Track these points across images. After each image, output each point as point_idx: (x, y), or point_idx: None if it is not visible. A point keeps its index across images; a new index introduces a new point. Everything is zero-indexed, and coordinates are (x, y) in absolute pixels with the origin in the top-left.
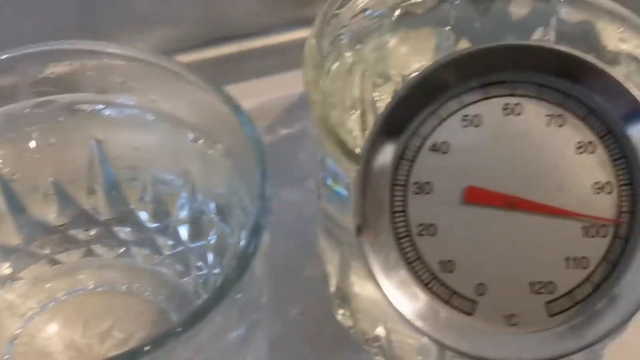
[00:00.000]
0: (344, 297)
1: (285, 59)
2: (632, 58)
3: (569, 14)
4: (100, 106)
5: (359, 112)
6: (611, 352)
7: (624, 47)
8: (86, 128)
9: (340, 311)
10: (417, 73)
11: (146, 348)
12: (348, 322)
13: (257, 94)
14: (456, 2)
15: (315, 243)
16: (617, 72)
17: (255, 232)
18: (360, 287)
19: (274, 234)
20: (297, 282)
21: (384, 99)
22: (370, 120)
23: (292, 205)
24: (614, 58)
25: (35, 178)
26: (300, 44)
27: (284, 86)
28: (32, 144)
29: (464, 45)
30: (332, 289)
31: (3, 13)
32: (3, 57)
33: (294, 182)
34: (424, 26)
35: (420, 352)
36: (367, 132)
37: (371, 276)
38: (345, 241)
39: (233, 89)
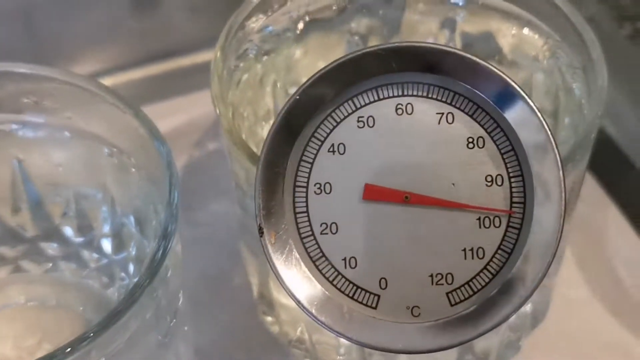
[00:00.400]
0: (268, 304)
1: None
2: (532, 58)
3: (468, 19)
4: (16, 126)
5: (271, 121)
6: (529, 341)
7: (522, 47)
8: (5, 148)
9: (266, 316)
10: (311, 76)
11: (61, 352)
12: (274, 327)
13: (186, 110)
14: (362, 8)
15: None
16: (495, 65)
17: (164, 236)
18: (279, 293)
19: (205, 245)
20: (227, 290)
21: None
22: None
23: (221, 217)
24: (513, 60)
25: None
26: None
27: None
28: None
29: None
30: (255, 294)
31: None
32: None
33: (223, 194)
34: (332, 31)
35: (342, 351)
36: (265, 136)
37: (275, 275)
38: (261, 250)
39: (163, 106)
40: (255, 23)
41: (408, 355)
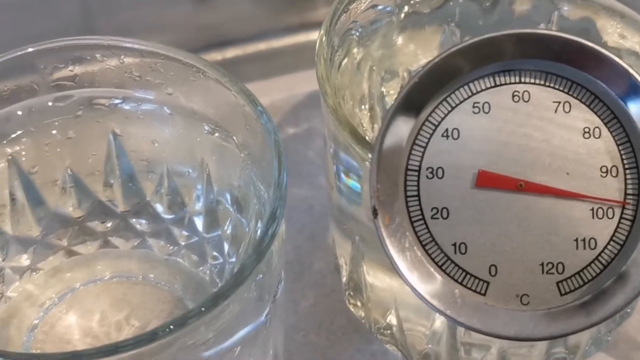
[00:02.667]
0: (356, 288)
1: (291, 61)
2: (632, 53)
3: (569, 11)
4: (118, 100)
5: (367, 106)
6: (616, 337)
7: (624, 43)
8: (104, 122)
9: (352, 301)
10: (430, 60)
11: (169, 328)
12: (360, 312)
13: (264, 95)
14: (460, 1)
15: (324, 237)
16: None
17: (273, 218)
18: (372, 277)
19: (285, 229)
20: (308, 275)
21: (391, 94)
22: (378, 114)
23: (302, 201)
24: (615, 54)
25: (54, 171)
26: (302, 47)
27: (290, 87)
28: (52, 137)
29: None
30: (344, 279)
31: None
32: (24, 52)
33: (304, 179)
34: (430, 24)
35: (431, 339)
36: (382, 118)
37: (387, 257)
38: (357, 232)
39: None
40: (360, 3)
41: (499, 345)
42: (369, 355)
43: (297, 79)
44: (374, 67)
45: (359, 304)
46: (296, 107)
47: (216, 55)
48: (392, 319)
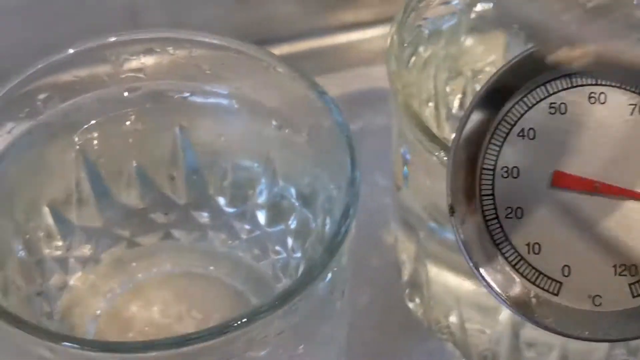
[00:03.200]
0: (417, 286)
1: (344, 59)
2: None
3: None
4: (187, 94)
5: (432, 104)
6: None
7: None
8: (171, 115)
9: (412, 299)
10: (507, 62)
11: (241, 321)
12: (419, 310)
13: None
14: None
15: (380, 235)
16: None
17: (346, 216)
18: (436, 276)
19: None
20: (365, 272)
21: (455, 92)
22: (443, 113)
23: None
24: None
25: (120, 162)
26: (355, 45)
27: (343, 85)
28: (119, 129)
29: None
30: (405, 277)
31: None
32: (95, 44)
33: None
34: (497, 25)
35: (493, 339)
36: (461, 116)
37: (461, 255)
38: (423, 230)
39: None
40: (432, 1)
41: (561, 346)
42: (426, 353)
43: (350, 77)
44: (440, 66)
45: (418, 301)
46: (350, 105)
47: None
48: (453, 318)
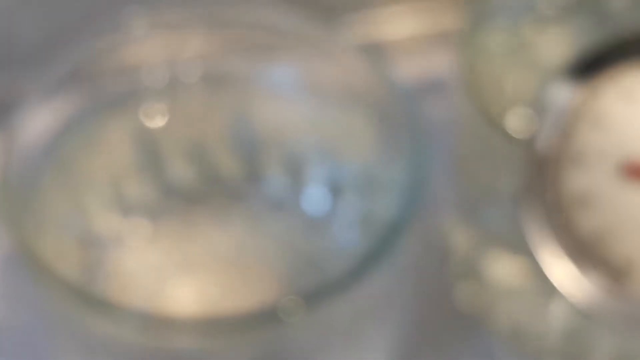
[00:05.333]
0: (469, 275)
1: None
2: None
3: None
4: (249, 72)
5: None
6: None
7: None
8: (235, 93)
9: (463, 289)
10: (580, 51)
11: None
12: (469, 299)
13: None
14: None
15: (431, 220)
16: None
17: (412, 201)
18: (489, 265)
19: None
20: (415, 259)
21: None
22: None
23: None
24: None
25: (180, 140)
26: None
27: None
28: (181, 105)
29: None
30: (456, 266)
31: None
32: (160, 21)
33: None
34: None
35: (546, 333)
36: (536, 102)
37: (526, 242)
38: (482, 217)
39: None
40: None
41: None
42: (475, 345)
43: None
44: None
45: (469, 291)
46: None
47: None
48: (504, 311)
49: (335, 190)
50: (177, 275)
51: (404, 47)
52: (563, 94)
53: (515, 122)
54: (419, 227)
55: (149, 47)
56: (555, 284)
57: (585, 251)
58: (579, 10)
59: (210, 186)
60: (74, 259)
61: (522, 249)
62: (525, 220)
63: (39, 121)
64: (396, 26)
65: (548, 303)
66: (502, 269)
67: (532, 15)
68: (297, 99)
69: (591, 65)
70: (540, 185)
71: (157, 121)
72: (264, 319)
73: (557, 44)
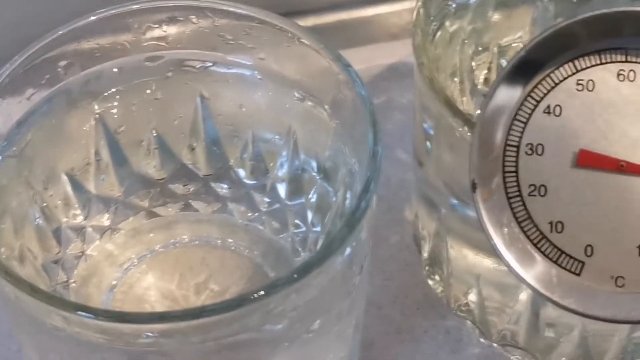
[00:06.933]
0: (437, 263)
1: (370, 32)
2: None
3: None
4: (209, 63)
5: (457, 79)
6: None
7: None
8: (193, 84)
9: (432, 276)
10: (535, 36)
11: (258, 293)
12: (439, 287)
13: None
14: None
15: (401, 210)
16: None
17: (367, 191)
18: (456, 252)
19: None
20: (384, 248)
21: (480, 67)
22: (467, 88)
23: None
24: None
25: (140, 131)
26: (382, 18)
27: (368, 59)
28: (140, 97)
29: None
30: (425, 254)
31: None
32: (117, 12)
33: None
34: (524, 0)
35: (512, 318)
36: (486, 93)
37: (484, 232)
38: (444, 206)
39: None
40: None
41: (582, 326)
42: (443, 331)
43: (376, 50)
44: (466, 40)
45: (438, 278)
46: (374, 79)
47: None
48: (473, 297)
49: (298, 180)
50: (140, 267)
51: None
52: (518, 80)
53: (470, 106)
54: (393, 217)
55: (108, 38)
56: (516, 272)
57: (543, 240)
58: None
59: (174, 178)
60: (33, 252)
61: (482, 239)
62: (481, 210)
63: None
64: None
65: (512, 290)
66: (465, 258)
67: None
68: (257, 90)
69: (546, 55)
70: (496, 173)
71: (117, 113)
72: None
73: (512, 28)
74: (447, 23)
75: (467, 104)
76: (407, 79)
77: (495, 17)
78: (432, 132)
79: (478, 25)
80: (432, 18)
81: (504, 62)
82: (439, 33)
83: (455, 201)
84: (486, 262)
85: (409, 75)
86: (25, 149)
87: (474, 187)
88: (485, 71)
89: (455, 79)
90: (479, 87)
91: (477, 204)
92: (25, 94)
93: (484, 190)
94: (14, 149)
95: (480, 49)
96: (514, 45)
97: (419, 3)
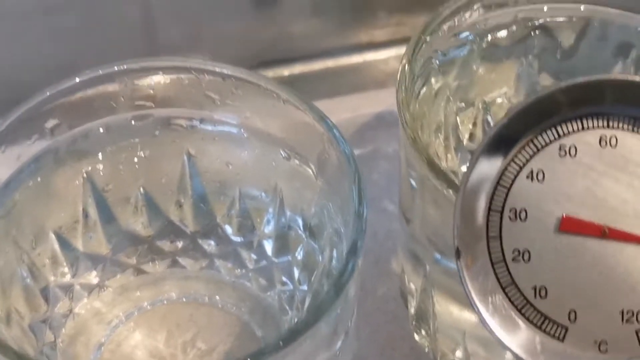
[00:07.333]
0: (423, 318)
1: (357, 80)
2: None
3: None
4: (196, 122)
5: (442, 135)
6: None
7: None
8: (180, 142)
9: (419, 331)
10: (517, 104)
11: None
12: (425, 342)
13: (330, 114)
14: (541, 36)
15: (388, 262)
16: None
17: (353, 252)
18: (443, 308)
19: None
20: (371, 300)
21: (465, 123)
22: (452, 144)
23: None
24: None
25: (127, 189)
26: (369, 66)
27: (356, 107)
28: (128, 156)
29: (545, 76)
30: (412, 309)
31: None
32: (105, 72)
33: (369, 202)
34: (509, 56)
35: None
36: (470, 159)
37: (468, 299)
38: (430, 261)
39: None
40: (443, 32)
41: None
42: None
43: (363, 99)
44: (451, 97)
45: (425, 334)
46: (362, 128)
47: (283, 71)
48: (459, 353)
49: (285, 238)
50: (128, 325)
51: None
52: (501, 147)
53: (454, 162)
54: (380, 269)
55: (95, 98)
56: (500, 340)
57: (527, 306)
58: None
59: (161, 235)
60: (20, 312)
61: (465, 300)
62: (465, 277)
63: None
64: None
65: (498, 347)
66: (451, 314)
67: (471, 54)
68: (244, 148)
69: (528, 121)
70: (479, 238)
71: (104, 172)
72: None
73: (497, 84)
74: (433, 80)
75: (451, 161)
76: (394, 128)
77: (480, 72)
78: (417, 187)
79: (463, 82)
80: (416, 76)
81: (489, 118)
82: (424, 89)
83: (440, 257)
84: (472, 319)
85: (396, 124)
86: (13, 209)
87: (458, 254)
88: (471, 127)
89: (440, 135)
90: (465, 143)
91: (461, 271)
92: (14, 153)
93: (468, 258)
94: (1, 210)
95: (465, 105)
96: (498, 101)
97: (404, 60)
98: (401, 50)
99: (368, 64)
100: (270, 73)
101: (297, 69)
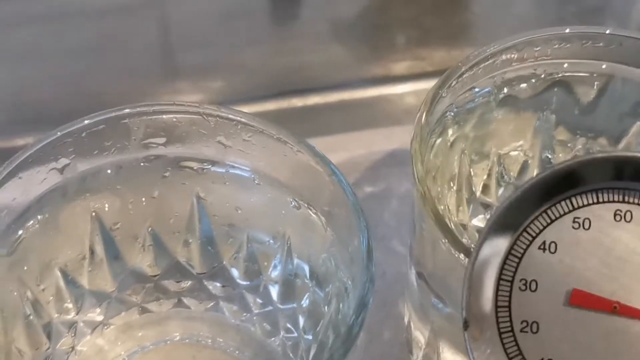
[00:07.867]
0: None
1: (372, 114)
2: None
3: None
4: (206, 165)
5: (455, 187)
6: None
7: None
8: (190, 184)
9: None
10: (533, 177)
11: None
12: None
13: (343, 149)
14: (559, 92)
15: (396, 304)
16: None
17: (363, 306)
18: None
19: None
20: (376, 344)
21: (479, 175)
22: (465, 196)
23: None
24: None
25: (135, 228)
26: (385, 100)
27: (370, 143)
28: (137, 196)
29: (562, 131)
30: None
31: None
32: (119, 113)
33: (379, 241)
34: (526, 109)
35: None
36: (482, 229)
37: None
38: (437, 317)
39: (317, 143)
40: (460, 85)
41: None
42: None
43: (378, 134)
44: (466, 149)
45: None
46: (375, 165)
47: (297, 102)
48: None
49: (291, 284)
50: None
51: None
52: (513, 219)
53: (466, 215)
54: (387, 312)
55: (106, 139)
56: None
57: None
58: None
59: (168, 274)
60: (21, 350)
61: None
62: (472, 349)
63: None
64: None
65: None
66: None
67: (488, 106)
68: (254, 194)
69: (543, 192)
70: (489, 309)
71: (113, 210)
72: None
73: (513, 137)
74: (450, 131)
75: (462, 213)
76: (407, 167)
77: (496, 125)
78: (427, 239)
79: (478, 133)
80: (432, 129)
81: (503, 171)
82: (439, 140)
83: (448, 310)
84: None
85: (409, 163)
86: (19, 246)
87: (465, 325)
88: (485, 178)
89: (453, 187)
90: (477, 195)
91: (469, 342)
92: (23, 191)
93: (476, 329)
94: (7, 247)
95: (479, 157)
96: (513, 154)
97: (421, 112)
98: (418, 85)
99: (384, 97)
100: (285, 104)
101: (312, 100)
